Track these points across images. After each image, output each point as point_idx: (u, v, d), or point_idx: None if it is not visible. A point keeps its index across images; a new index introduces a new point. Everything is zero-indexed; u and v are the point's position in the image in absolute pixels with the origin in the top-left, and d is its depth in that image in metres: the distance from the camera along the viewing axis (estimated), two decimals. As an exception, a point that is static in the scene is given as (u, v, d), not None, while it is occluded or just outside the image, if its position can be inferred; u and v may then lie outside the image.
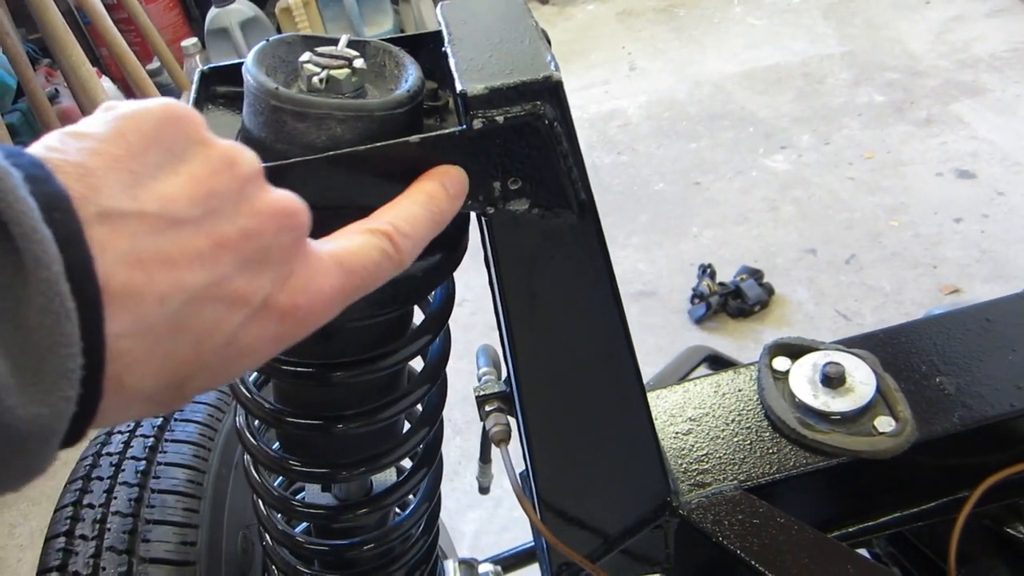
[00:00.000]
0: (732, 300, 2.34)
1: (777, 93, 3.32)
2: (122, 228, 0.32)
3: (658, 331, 2.37)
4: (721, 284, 2.39)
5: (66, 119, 3.35)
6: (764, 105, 3.26)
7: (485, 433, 1.14)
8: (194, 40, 3.66)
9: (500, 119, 0.49)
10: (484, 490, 1.28)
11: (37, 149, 0.33)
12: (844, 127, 3.04)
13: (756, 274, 2.40)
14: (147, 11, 3.55)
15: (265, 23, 3.81)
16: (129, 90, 3.49)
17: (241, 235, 0.36)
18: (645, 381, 0.73)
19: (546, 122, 0.50)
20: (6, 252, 0.29)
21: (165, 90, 3.46)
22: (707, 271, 2.44)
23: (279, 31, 3.89)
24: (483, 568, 1.21)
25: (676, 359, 1.21)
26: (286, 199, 0.39)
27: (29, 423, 0.29)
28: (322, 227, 0.46)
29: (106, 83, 3.51)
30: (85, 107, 3.32)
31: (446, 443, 2.16)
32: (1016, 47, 3.27)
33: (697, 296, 2.39)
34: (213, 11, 3.69)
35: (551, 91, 0.50)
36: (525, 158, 0.52)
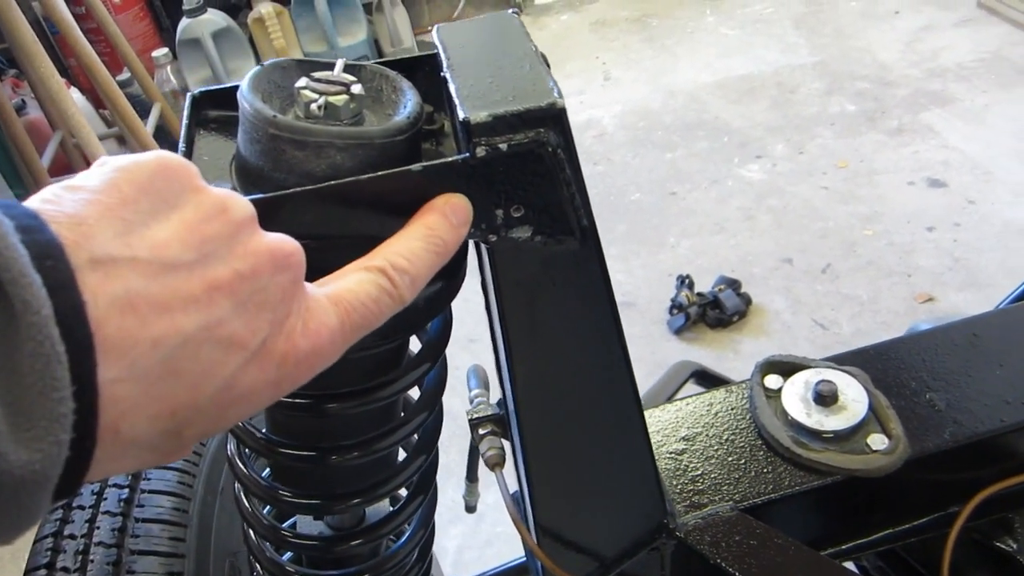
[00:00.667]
0: (710, 310, 2.35)
1: (751, 102, 3.35)
2: (114, 274, 0.32)
3: (638, 342, 2.37)
4: (699, 294, 2.40)
5: (33, 130, 3.29)
6: (738, 115, 3.29)
7: (473, 452, 1.13)
8: (165, 51, 3.62)
9: (503, 147, 0.49)
10: (471, 508, 1.27)
11: (33, 202, 0.33)
12: (817, 136, 3.07)
13: (734, 284, 2.41)
14: (117, 21, 3.50)
15: (237, 33, 3.78)
16: (99, 101, 3.44)
17: (235, 277, 0.36)
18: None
19: (549, 149, 0.50)
20: None
21: (135, 101, 3.41)
22: (685, 282, 2.44)
23: (251, 42, 3.86)
24: (472, 587, 1.20)
25: (664, 376, 1.22)
26: (281, 241, 0.39)
27: (22, 469, 0.29)
28: (322, 258, 0.45)
29: (75, 94, 3.46)
30: (53, 118, 3.27)
31: (427, 457, 2.14)
32: (983, 57, 3.32)
33: (676, 307, 2.39)
34: (185, 21, 3.65)
35: (555, 118, 0.49)
36: (528, 185, 0.51)
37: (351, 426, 0.61)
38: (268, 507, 0.75)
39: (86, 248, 0.32)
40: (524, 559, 1.38)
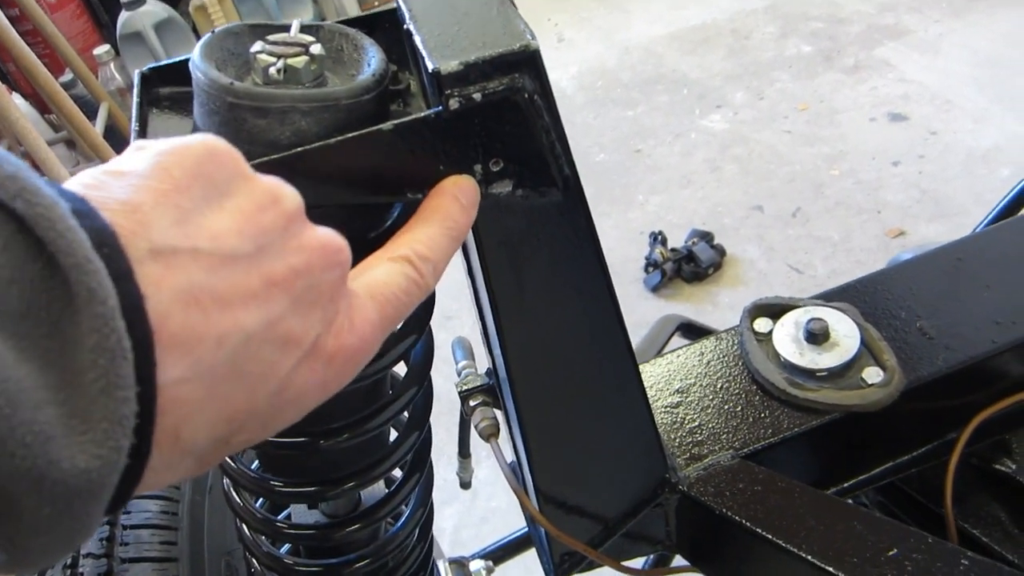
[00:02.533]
0: (686, 265, 2.34)
1: (707, 52, 3.33)
2: (176, 266, 0.30)
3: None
4: (673, 250, 2.39)
5: (-24, 141, 3.18)
6: (695, 65, 3.27)
7: (464, 427, 1.11)
8: (107, 47, 3.51)
9: (477, 96, 0.46)
10: (466, 485, 1.25)
11: (73, 186, 0.30)
12: (776, 81, 3.06)
13: (707, 236, 2.40)
14: (54, 20, 3.39)
15: (180, 23, 3.67)
16: (43, 104, 3.34)
17: (291, 273, 0.34)
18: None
19: (526, 95, 0.47)
20: (53, 288, 0.26)
21: (81, 102, 3.31)
22: (658, 238, 2.43)
23: (195, 30, 3.76)
24: (474, 565, 1.19)
25: (650, 332, 1.20)
26: (329, 235, 0.37)
27: (77, 478, 0.26)
28: None
29: (17, 99, 3.35)
30: (-3, 126, 3.17)
31: (414, 436, 2.13)
32: (933, -12, 3.33)
33: (651, 264, 2.38)
34: (124, 15, 3.54)
35: (529, 61, 0.46)
36: (506, 136, 0.48)
37: (339, 407, 0.59)
38: (260, 500, 0.72)
39: (144, 237, 0.29)
40: (523, 531, 1.37)
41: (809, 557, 0.70)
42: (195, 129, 0.49)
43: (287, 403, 0.35)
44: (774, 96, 2.99)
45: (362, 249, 0.46)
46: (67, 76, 3.49)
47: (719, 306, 2.26)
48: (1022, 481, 0.91)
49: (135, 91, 0.52)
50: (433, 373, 0.81)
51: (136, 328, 0.28)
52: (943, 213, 2.35)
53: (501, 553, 1.34)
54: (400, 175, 0.47)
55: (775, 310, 0.88)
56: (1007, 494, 0.93)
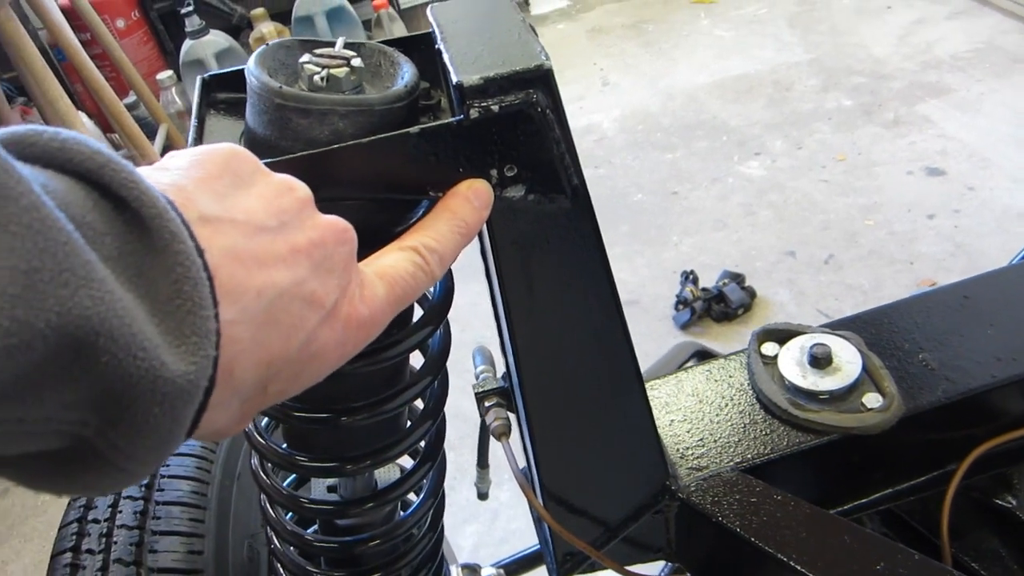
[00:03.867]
0: (715, 304, 2.37)
1: (748, 101, 3.38)
2: (220, 230, 0.37)
3: (644, 338, 2.39)
4: (704, 289, 2.43)
5: (43, 155, 3.34)
6: (736, 113, 3.32)
7: (483, 439, 1.15)
8: (169, 73, 3.68)
9: (495, 108, 0.52)
10: (483, 496, 1.29)
11: None
12: (815, 131, 3.10)
13: (738, 278, 2.43)
14: (122, 45, 3.56)
15: (240, 53, 3.83)
16: (106, 124, 3.50)
17: (310, 244, 0.41)
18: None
19: (539, 109, 0.53)
20: (136, 239, 0.32)
21: (142, 123, 3.46)
22: (690, 277, 2.47)
23: (254, 60, 3.90)
24: (486, 572, 1.22)
25: (665, 356, 1.24)
26: (337, 218, 0.44)
27: (180, 379, 0.32)
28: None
29: (83, 118, 3.52)
30: (62, 143, 3.32)
31: (439, 458, 2.17)
32: (976, 47, 3.35)
33: (681, 302, 2.42)
34: (188, 43, 3.71)
35: (543, 79, 0.52)
36: (520, 145, 0.54)
37: (362, 388, 0.64)
38: (286, 482, 0.78)
39: (193, 208, 0.36)
40: (537, 547, 1.40)
41: (799, 567, 0.74)
42: (246, 129, 0.55)
43: (312, 357, 0.42)
44: (813, 146, 3.03)
45: (385, 239, 0.52)
46: (131, 98, 3.65)
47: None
48: (1022, 517, 0.93)
49: (196, 94, 0.59)
50: (462, 396, 0.86)
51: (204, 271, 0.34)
52: (976, 267, 2.35)
53: (515, 567, 1.37)
54: (424, 175, 0.53)
55: (782, 335, 0.92)
56: (1007, 529, 0.95)
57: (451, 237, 0.51)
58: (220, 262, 0.35)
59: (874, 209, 2.66)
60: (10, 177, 0.27)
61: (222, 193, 0.39)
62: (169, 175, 0.38)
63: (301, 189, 0.43)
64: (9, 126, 0.32)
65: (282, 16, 4.04)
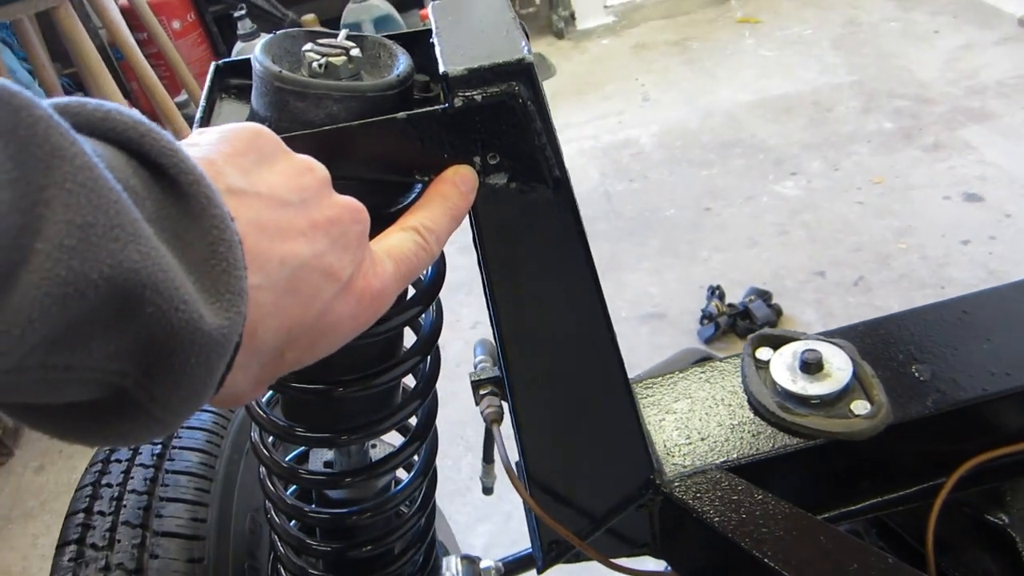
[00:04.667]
0: (741, 320, 2.37)
1: (788, 121, 3.38)
2: (246, 202, 0.40)
3: (667, 351, 2.40)
4: (730, 305, 2.43)
5: (96, 149, 3.46)
6: (775, 133, 3.32)
7: (488, 434, 1.18)
8: (220, 73, 3.78)
9: (479, 97, 0.55)
10: (487, 491, 1.32)
11: None
12: (853, 153, 3.09)
13: (765, 295, 2.43)
14: (177, 46, 3.68)
15: (288, 57, 3.92)
16: (158, 121, 3.61)
17: (328, 220, 0.44)
18: (635, 375, 0.78)
19: (520, 101, 0.56)
20: (172, 204, 0.35)
21: (192, 121, 3.57)
22: (716, 292, 2.47)
23: (302, 64, 4.00)
24: (484, 564, 1.25)
25: (669, 359, 1.25)
26: (351, 199, 0.48)
27: (216, 331, 0.34)
28: None
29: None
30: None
31: (458, 460, 2.20)
32: (1023, 74, 3.31)
33: (706, 317, 2.42)
34: (239, 45, 3.81)
35: (524, 72, 0.55)
36: (502, 134, 0.57)
37: (356, 361, 0.67)
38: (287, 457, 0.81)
39: (221, 180, 0.39)
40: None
41: (773, 565, 0.75)
42: (252, 111, 0.60)
43: (328, 327, 0.45)
44: (850, 168, 3.01)
45: (383, 221, 0.55)
46: (182, 96, 3.77)
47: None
48: (1013, 534, 0.94)
49: (208, 79, 0.64)
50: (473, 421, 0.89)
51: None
52: (1008, 294, 2.32)
53: (516, 566, 1.39)
54: (411, 159, 0.57)
55: (777, 341, 0.93)
56: (998, 546, 0.95)
57: (444, 219, 0.55)
58: (246, 231, 0.39)
59: (908, 232, 2.64)
60: (64, 139, 0.30)
61: (247, 168, 0.42)
62: (199, 149, 0.41)
63: (320, 170, 0.47)
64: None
65: (332, 22, 4.13)
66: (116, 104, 0.36)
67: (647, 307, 2.59)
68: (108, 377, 0.32)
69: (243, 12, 3.71)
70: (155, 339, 0.32)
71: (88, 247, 0.29)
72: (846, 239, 2.68)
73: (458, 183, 0.57)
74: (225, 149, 0.42)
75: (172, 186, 0.35)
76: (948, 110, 3.20)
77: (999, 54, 3.48)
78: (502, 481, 1.26)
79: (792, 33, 4.06)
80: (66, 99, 0.35)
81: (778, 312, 2.40)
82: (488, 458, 1.26)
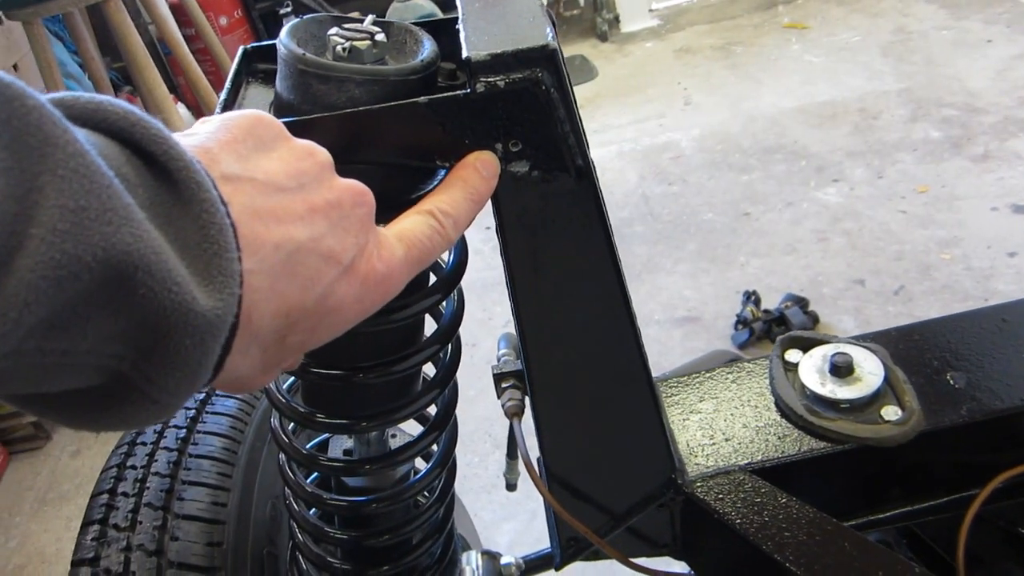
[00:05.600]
0: (776, 327, 2.34)
1: (832, 128, 3.32)
2: (241, 188, 0.40)
3: (701, 355, 2.37)
4: (765, 311, 2.40)
5: (142, 142, 3.53)
6: (818, 139, 3.27)
7: (511, 430, 1.17)
8: (264, 70, 3.83)
9: (501, 83, 0.55)
10: (511, 487, 1.31)
11: None
12: (898, 161, 3.03)
13: (801, 302, 2.39)
14: (223, 42, 3.74)
15: (332, 55, 3.96)
16: (202, 115, 3.66)
17: (327, 204, 0.44)
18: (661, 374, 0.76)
19: (543, 88, 0.55)
20: (165, 191, 0.35)
21: (235, 116, 3.61)
22: (751, 298, 2.44)
23: (345, 62, 4.04)
24: (505, 560, 1.24)
25: (698, 359, 1.24)
26: (355, 182, 0.47)
27: (209, 313, 0.35)
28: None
29: (181, 109, 3.70)
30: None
31: (485, 457, 2.20)
32: (1079, 85, 3.22)
33: (741, 322, 2.39)
34: (283, 43, 3.85)
35: (548, 59, 0.55)
36: (525, 121, 0.56)
37: (376, 348, 0.67)
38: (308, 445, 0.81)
39: (216, 167, 0.39)
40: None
41: (794, 570, 0.74)
42: (276, 94, 0.60)
43: (330, 311, 0.45)
44: (894, 176, 2.96)
45: (405, 207, 0.55)
46: (227, 92, 3.81)
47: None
48: (1048, 550, 0.91)
49: (235, 62, 0.64)
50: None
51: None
52: (1056, 309, 2.25)
53: (539, 563, 1.38)
54: (432, 144, 0.57)
55: (807, 343, 0.91)
56: (1032, 562, 0.92)
57: (464, 203, 0.54)
58: (240, 217, 0.39)
59: (952, 243, 2.58)
60: (56, 128, 0.30)
61: (244, 155, 0.42)
62: (196, 138, 0.41)
63: (321, 154, 0.46)
64: None
65: (376, 21, 4.16)
66: (109, 97, 0.36)
67: (681, 311, 2.56)
68: (105, 361, 0.33)
69: (288, 9, 3.76)
70: (149, 321, 0.33)
71: (81, 231, 0.30)
72: (888, 248, 2.63)
73: (479, 168, 0.56)
74: (222, 137, 0.42)
75: (163, 173, 0.36)
76: (999, 120, 3.12)
77: (1054, 63, 3.39)
78: (528, 480, 1.26)
79: (840, 39, 4.00)
80: (61, 93, 0.36)
81: (815, 319, 2.36)
82: (512, 454, 1.25)
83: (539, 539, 1.98)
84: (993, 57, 3.56)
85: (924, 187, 2.86)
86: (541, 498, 0.84)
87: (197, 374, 0.36)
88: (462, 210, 0.54)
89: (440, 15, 0.72)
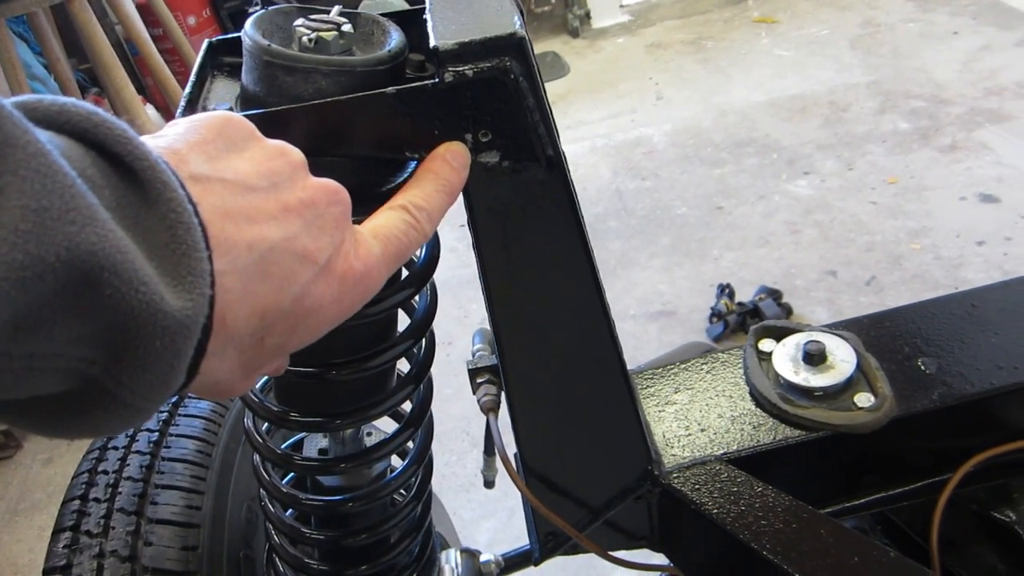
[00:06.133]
0: (750, 319, 2.35)
1: (802, 121, 3.35)
2: (210, 188, 0.39)
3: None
4: (739, 303, 2.41)
5: (110, 144, 3.48)
6: (789, 132, 3.29)
7: (488, 427, 1.17)
8: (234, 70, 3.79)
9: (469, 72, 0.54)
10: (489, 484, 1.31)
11: None
12: (868, 153, 3.06)
13: (775, 294, 2.41)
14: (191, 42, 3.69)
15: (302, 54, 3.93)
16: (171, 115, 3.62)
17: (300, 203, 0.43)
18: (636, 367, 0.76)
19: (512, 76, 0.55)
20: (131, 191, 0.35)
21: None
22: (725, 291, 2.45)
23: (315, 61, 4.01)
24: (484, 558, 1.24)
25: (673, 351, 1.24)
26: (329, 181, 0.47)
27: (179, 313, 0.34)
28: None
29: (150, 110, 3.65)
30: (128, 133, 3.45)
31: (463, 455, 2.19)
32: (1043, 75, 3.27)
33: (715, 315, 2.40)
34: (252, 42, 3.82)
35: (516, 47, 0.54)
36: (494, 111, 0.56)
37: (349, 344, 0.66)
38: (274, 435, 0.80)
39: (184, 167, 0.39)
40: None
41: (771, 558, 0.74)
42: (242, 87, 0.59)
43: (308, 311, 0.44)
44: (864, 167, 2.98)
45: (375, 200, 0.55)
46: (196, 93, 3.77)
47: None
48: (1020, 532, 0.92)
49: (199, 55, 0.63)
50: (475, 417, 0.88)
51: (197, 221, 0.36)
52: (1024, 296, 2.29)
53: (518, 560, 1.38)
54: (401, 136, 0.56)
55: (780, 332, 0.92)
56: (1005, 544, 0.93)
57: (436, 196, 0.53)
58: (210, 217, 0.38)
59: (922, 233, 2.61)
60: (16, 128, 0.30)
61: (213, 156, 0.41)
62: (165, 140, 0.41)
63: (293, 153, 0.46)
64: None
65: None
66: (74, 99, 0.36)
67: (656, 305, 2.57)
68: (75, 364, 0.32)
69: (258, 7, 3.72)
70: (117, 322, 0.32)
71: (44, 231, 0.29)
72: (859, 239, 2.66)
73: (449, 159, 0.55)
74: (191, 138, 0.41)
75: (129, 173, 0.35)
76: (966, 111, 3.16)
77: (1018, 55, 3.44)
78: (507, 478, 1.26)
79: (809, 33, 4.03)
80: (25, 96, 0.35)
81: (788, 311, 2.38)
82: (489, 451, 1.25)
83: (519, 537, 1.97)
84: (959, 49, 3.61)
85: (894, 178, 2.90)
86: (520, 496, 0.84)
87: (170, 376, 0.35)
88: (435, 203, 0.53)
89: (408, 6, 0.71)
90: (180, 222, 0.35)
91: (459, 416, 2.24)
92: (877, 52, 3.74)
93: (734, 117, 3.49)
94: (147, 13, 3.46)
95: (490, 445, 1.23)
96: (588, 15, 4.59)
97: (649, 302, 2.59)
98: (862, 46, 3.82)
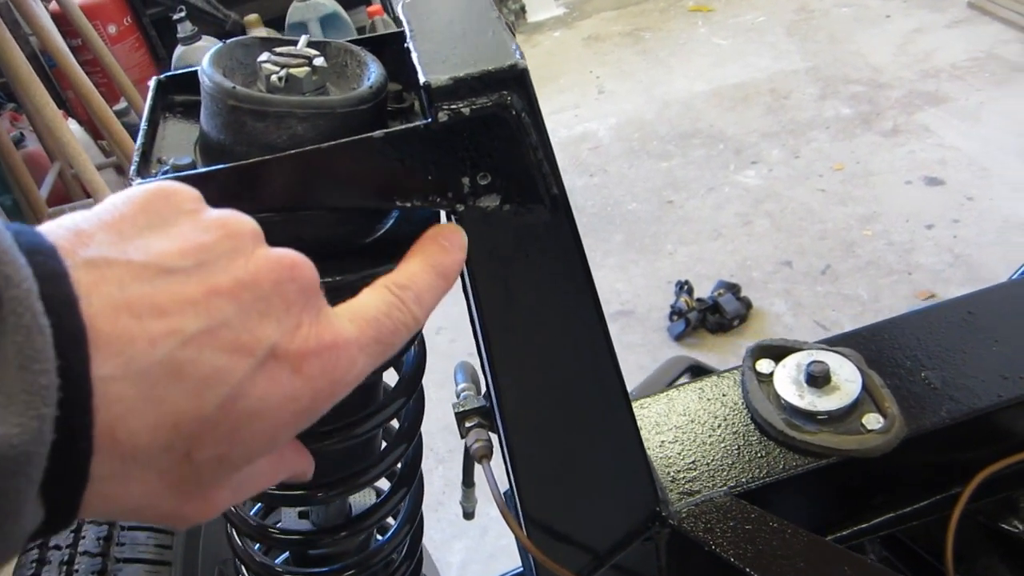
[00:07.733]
0: (711, 315, 2.33)
1: (745, 110, 3.35)
2: (109, 275, 0.33)
3: (638, 349, 2.36)
4: (699, 300, 2.39)
5: (32, 163, 3.31)
6: (733, 122, 3.29)
7: (467, 456, 1.11)
8: (160, 79, 3.64)
9: (466, 111, 0.48)
10: (469, 515, 1.24)
11: (41, 226, 0.34)
12: (813, 140, 3.07)
13: (733, 288, 2.40)
14: (113, 52, 3.53)
15: (232, 60, 3.80)
16: (96, 131, 3.46)
17: (236, 284, 0.36)
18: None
19: (514, 113, 0.49)
20: None
21: (132, 130, 3.42)
22: (684, 287, 2.43)
23: (246, 67, 3.87)
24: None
25: (658, 370, 1.20)
26: (284, 252, 0.38)
27: (1, 442, 0.27)
28: (294, 231, 0.45)
29: (73, 125, 3.48)
30: (51, 149, 3.28)
31: (429, 473, 2.13)
32: (976, 56, 3.33)
33: (676, 313, 2.38)
34: (179, 49, 3.67)
35: (517, 80, 0.48)
36: (494, 151, 0.50)
37: (331, 412, 0.60)
38: (254, 509, 0.73)
39: (80, 252, 0.33)
40: (522, 569, 1.36)
41: (796, 599, 0.69)
42: (201, 133, 0.51)
43: (249, 415, 0.36)
44: (810, 155, 3.00)
45: (354, 255, 0.48)
46: (121, 104, 3.61)
47: (741, 358, 2.24)
48: (1029, 542, 0.89)
49: (149, 97, 0.55)
50: (447, 405, 0.82)
51: (65, 321, 0.30)
52: (975, 278, 2.32)
53: (501, 589, 1.33)
54: (390, 183, 0.49)
55: (778, 352, 0.88)
56: (1014, 555, 0.91)
57: (423, 275, 0.46)
58: (101, 311, 0.31)
59: (872, 219, 2.63)
60: None
61: (127, 234, 0.35)
62: (72, 219, 0.35)
63: (237, 224, 0.38)
64: None
65: (276, 22, 4.01)
66: None
67: (615, 304, 2.54)
68: None
69: (182, 14, 3.57)
70: None
71: None
72: (811, 227, 2.66)
73: (439, 239, 0.48)
74: (108, 215, 0.35)
75: None
76: (904, 94, 3.20)
77: (951, 37, 3.50)
78: (479, 495, 1.20)
79: (745, 20, 4.05)
80: None
81: (748, 305, 2.37)
82: (468, 482, 1.18)
83: (492, 555, 1.92)
84: (892, 32, 3.66)
85: (839, 165, 2.91)
86: (490, 513, 0.78)
87: (12, 514, 0.29)
88: (423, 282, 0.45)
89: (344, 14, 0.64)
90: (20, 325, 0.29)
91: (423, 432, 2.18)
92: (813, 38, 3.77)
93: (678, 108, 3.48)
94: (64, 23, 3.29)
95: (469, 476, 1.17)
96: (523, 9, 4.54)
97: (607, 302, 2.55)
98: (798, 32, 3.85)
